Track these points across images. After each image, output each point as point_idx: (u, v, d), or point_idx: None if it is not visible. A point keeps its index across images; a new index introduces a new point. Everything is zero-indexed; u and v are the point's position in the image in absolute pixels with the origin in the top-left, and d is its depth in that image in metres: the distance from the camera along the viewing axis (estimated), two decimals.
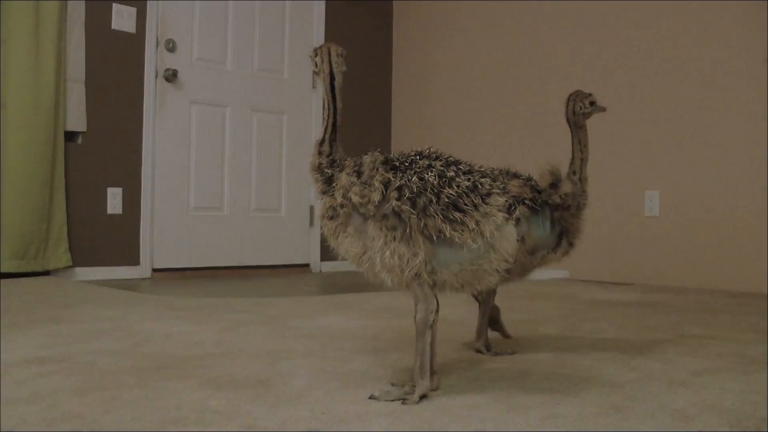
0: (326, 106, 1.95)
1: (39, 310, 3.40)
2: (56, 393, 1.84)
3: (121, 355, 2.35)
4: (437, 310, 1.85)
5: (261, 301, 3.99)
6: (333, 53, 1.96)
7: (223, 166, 6.01)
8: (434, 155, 1.86)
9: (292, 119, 6.38)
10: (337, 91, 1.95)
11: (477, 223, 1.75)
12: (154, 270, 5.61)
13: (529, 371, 2.16)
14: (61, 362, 2.21)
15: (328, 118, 1.95)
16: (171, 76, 5.64)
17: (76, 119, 5.23)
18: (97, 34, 5.34)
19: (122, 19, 5.45)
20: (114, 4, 5.41)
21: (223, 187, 6.01)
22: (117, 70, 5.44)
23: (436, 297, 1.85)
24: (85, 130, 5.26)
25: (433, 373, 1.89)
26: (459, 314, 3.43)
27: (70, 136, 5.23)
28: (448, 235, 1.75)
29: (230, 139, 6.05)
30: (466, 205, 1.76)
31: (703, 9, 4.95)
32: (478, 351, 2.47)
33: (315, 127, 6.41)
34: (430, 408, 1.72)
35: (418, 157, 1.85)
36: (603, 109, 2.71)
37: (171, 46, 5.67)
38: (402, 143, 6.99)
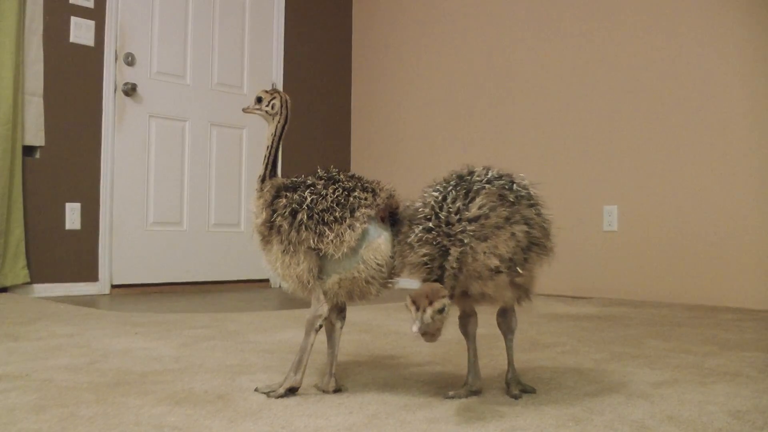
0: (270, 145, 2.20)
1: None
2: (13, 411, 1.81)
3: (79, 371, 2.33)
4: (325, 316, 2.01)
5: (220, 316, 3.97)
6: (290, 102, 2.24)
7: (183, 181, 5.98)
8: (329, 176, 2.05)
9: (252, 134, 6.36)
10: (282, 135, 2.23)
11: (338, 234, 1.92)
12: (113, 286, 5.56)
13: (489, 384, 2.16)
14: (18, 379, 2.19)
15: (269, 156, 2.20)
16: (130, 90, 5.60)
17: (35, 133, 5.17)
18: (55, 47, 5.29)
19: (81, 32, 5.41)
20: (72, 17, 5.37)
21: (182, 202, 5.98)
22: (75, 84, 5.39)
23: (331, 303, 2.03)
24: (43, 144, 5.20)
25: (331, 375, 2.08)
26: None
27: (28, 150, 5.17)
28: (314, 246, 1.94)
29: (190, 154, 6.03)
30: (331, 218, 1.94)
31: (660, 25, 5.01)
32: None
33: None
34: (390, 422, 1.72)
35: (315, 178, 2.05)
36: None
37: (130, 60, 5.64)
38: (361, 152, 7.00)
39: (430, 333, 1.76)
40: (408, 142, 6.66)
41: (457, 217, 1.81)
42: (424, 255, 1.81)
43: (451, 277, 1.78)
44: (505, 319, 2.12)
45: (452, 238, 1.79)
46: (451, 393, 2.02)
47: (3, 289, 5.01)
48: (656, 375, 2.32)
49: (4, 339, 3.01)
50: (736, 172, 4.64)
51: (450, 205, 1.83)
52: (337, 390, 2.06)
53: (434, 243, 1.80)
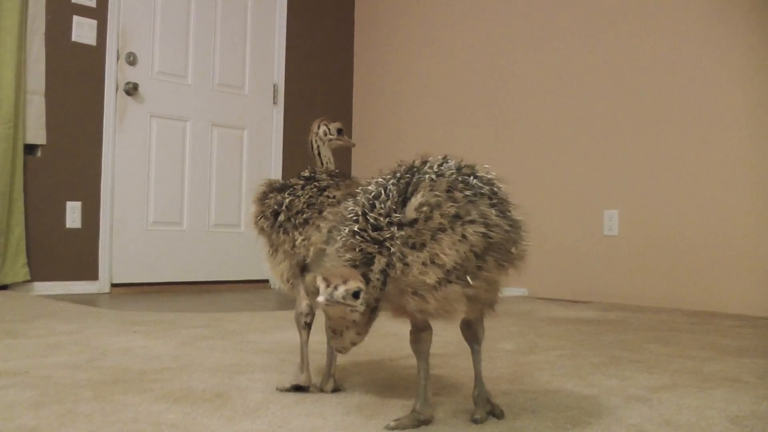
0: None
1: None
2: (12, 407, 1.81)
3: (78, 368, 2.33)
4: (308, 314, 2.07)
5: (219, 315, 3.98)
6: (314, 126, 2.26)
7: (183, 181, 5.99)
8: (309, 176, 2.08)
9: (253, 134, 6.37)
10: (315, 154, 2.24)
11: (307, 237, 1.95)
12: (113, 285, 5.56)
13: (487, 386, 2.16)
14: (17, 376, 2.19)
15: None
16: (131, 90, 5.60)
17: (36, 132, 5.17)
18: (57, 46, 5.30)
19: (83, 31, 5.41)
20: (75, 17, 5.38)
21: (182, 202, 5.98)
22: (77, 83, 5.40)
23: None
24: (44, 143, 5.21)
25: (329, 376, 2.08)
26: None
27: (29, 149, 5.17)
28: (289, 249, 1.98)
29: (190, 154, 6.03)
30: (301, 220, 1.97)
31: (660, 28, 5.01)
32: None
33: (275, 142, 6.41)
34: (386, 423, 1.72)
35: (296, 179, 2.08)
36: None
37: (132, 60, 5.64)
38: (362, 152, 7.00)
39: (338, 330, 1.61)
40: (409, 143, 6.65)
41: (387, 219, 1.53)
42: (347, 261, 1.57)
43: (376, 290, 1.55)
44: (470, 327, 1.78)
45: (379, 246, 1.53)
46: (392, 423, 1.68)
47: (3, 287, 5.01)
48: (655, 379, 2.31)
49: (3, 336, 3.01)
50: (737, 177, 4.64)
51: (381, 205, 1.55)
52: (336, 390, 2.06)
53: (358, 249, 1.55)
